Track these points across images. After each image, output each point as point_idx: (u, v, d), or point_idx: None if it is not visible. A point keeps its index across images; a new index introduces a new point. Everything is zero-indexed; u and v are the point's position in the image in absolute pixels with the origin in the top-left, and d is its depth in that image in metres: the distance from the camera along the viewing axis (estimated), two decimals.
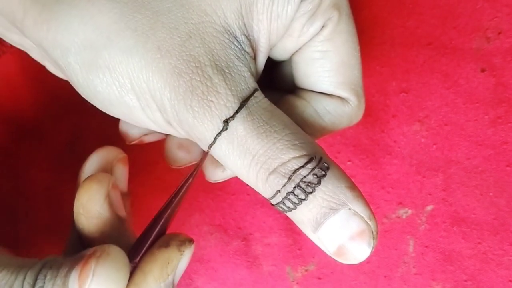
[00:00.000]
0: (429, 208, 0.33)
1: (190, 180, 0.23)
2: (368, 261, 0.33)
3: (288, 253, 0.33)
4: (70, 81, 0.22)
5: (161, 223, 0.23)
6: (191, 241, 0.24)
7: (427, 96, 0.33)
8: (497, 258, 0.32)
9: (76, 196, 0.24)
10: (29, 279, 0.22)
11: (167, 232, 0.24)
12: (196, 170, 0.23)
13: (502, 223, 0.32)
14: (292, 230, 0.33)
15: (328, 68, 0.23)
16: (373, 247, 0.21)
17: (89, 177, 0.24)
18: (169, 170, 0.26)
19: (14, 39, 0.24)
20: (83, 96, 0.23)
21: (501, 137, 0.32)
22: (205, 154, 0.23)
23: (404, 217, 0.33)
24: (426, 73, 0.33)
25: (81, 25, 0.20)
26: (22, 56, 0.27)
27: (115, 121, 0.25)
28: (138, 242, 0.23)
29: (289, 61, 0.25)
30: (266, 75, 0.26)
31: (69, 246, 0.26)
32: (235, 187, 0.34)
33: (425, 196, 0.33)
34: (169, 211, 0.23)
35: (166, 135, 0.27)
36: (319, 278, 0.34)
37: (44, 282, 0.21)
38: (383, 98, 0.33)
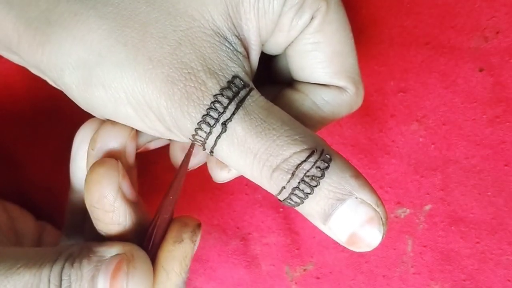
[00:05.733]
0: (427, 207, 0.33)
1: (184, 168, 0.24)
2: (366, 260, 0.34)
3: (286, 253, 0.34)
4: (70, 97, 0.23)
5: (166, 211, 0.24)
6: (199, 225, 0.25)
7: (425, 95, 0.33)
8: (495, 257, 0.32)
9: (86, 188, 0.22)
10: (54, 279, 0.21)
11: (175, 215, 0.25)
12: (186, 159, 0.24)
13: (501, 222, 0.32)
14: (290, 230, 0.33)
15: (322, 59, 0.23)
16: (383, 233, 0.21)
17: (96, 166, 0.22)
18: (167, 170, 0.26)
19: (14, 59, 0.25)
20: (83, 109, 0.23)
21: (499, 137, 0.32)
22: (192, 144, 0.23)
23: (402, 216, 0.33)
24: (424, 72, 0.33)
25: (73, 45, 0.21)
26: None
27: None
28: (150, 234, 0.24)
29: (284, 54, 0.25)
30: (264, 69, 0.26)
31: (70, 220, 0.27)
32: (234, 187, 0.34)
33: (423, 195, 0.33)
34: (171, 197, 0.24)
35: (170, 140, 0.27)
36: (318, 278, 0.34)
37: (70, 283, 0.21)
38: (381, 97, 0.33)
